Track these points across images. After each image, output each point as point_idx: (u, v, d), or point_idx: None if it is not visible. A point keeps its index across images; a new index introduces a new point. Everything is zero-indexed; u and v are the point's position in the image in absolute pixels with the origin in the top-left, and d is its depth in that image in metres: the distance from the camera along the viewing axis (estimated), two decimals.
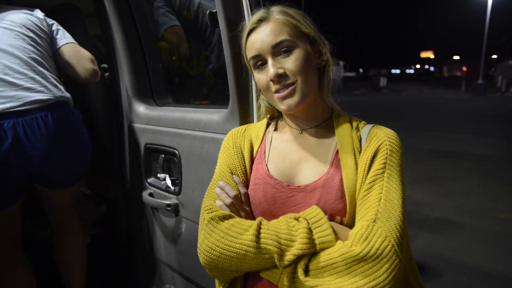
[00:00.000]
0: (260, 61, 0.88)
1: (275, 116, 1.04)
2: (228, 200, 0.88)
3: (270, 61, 0.86)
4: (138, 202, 1.70)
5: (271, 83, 0.87)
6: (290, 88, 0.85)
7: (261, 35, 0.86)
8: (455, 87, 28.49)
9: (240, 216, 0.88)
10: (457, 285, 2.27)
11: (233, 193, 0.89)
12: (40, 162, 1.40)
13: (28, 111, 1.35)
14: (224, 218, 0.84)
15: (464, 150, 6.36)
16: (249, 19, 0.94)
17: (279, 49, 0.85)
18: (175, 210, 1.42)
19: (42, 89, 1.40)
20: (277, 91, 0.87)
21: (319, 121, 0.94)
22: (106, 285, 1.99)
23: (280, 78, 0.85)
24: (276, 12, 0.88)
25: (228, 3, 1.07)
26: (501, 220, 3.38)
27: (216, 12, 1.10)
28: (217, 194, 0.90)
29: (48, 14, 1.64)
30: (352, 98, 20.60)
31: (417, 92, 25.06)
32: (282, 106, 0.88)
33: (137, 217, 1.74)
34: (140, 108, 1.65)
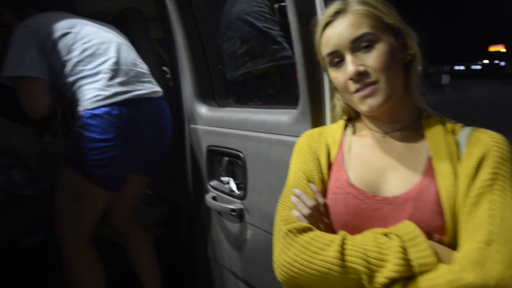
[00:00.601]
0: (337, 58, 0.79)
1: (352, 117, 0.94)
2: (306, 211, 0.80)
3: (349, 57, 0.76)
4: (200, 205, 1.68)
5: (350, 82, 0.77)
6: (372, 87, 0.75)
7: (338, 29, 0.77)
8: None
9: (318, 228, 0.79)
10: None
11: (311, 202, 0.81)
12: (157, 146, 1.64)
13: (156, 98, 1.61)
14: (303, 230, 0.75)
15: None
16: (323, 13, 0.85)
17: (359, 44, 0.76)
18: (239, 215, 1.36)
19: (155, 83, 1.66)
20: (357, 91, 0.77)
21: (405, 122, 0.82)
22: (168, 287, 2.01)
23: (360, 76, 0.75)
24: (354, 2, 0.78)
25: None
26: None
27: (285, 5, 1.03)
28: (293, 203, 0.82)
29: (112, 19, 1.69)
30: None
31: (486, 90, 23.00)
32: (363, 107, 0.78)
33: (199, 220, 1.72)
34: (202, 110, 1.63)
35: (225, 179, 1.45)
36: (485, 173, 0.68)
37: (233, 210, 1.36)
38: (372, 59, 0.75)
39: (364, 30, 0.75)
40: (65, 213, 1.52)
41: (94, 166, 1.43)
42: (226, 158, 1.44)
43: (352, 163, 0.84)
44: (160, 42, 2.46)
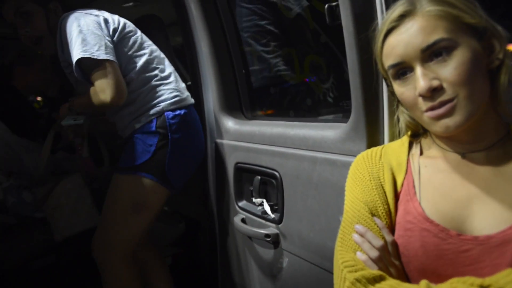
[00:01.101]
0: (402, 70, 0.66)
1: (419, 133, 0.79)
2: (374, 253, 0.66)
3: (419, 70, 0.63)
4: (226, 226, 1.54)
5: (421, 99, 0.64)
6: (448, 105, 0.62)
7: (405, 36, 0.64)
8: None
9: (390, 273, 0.65)
10: None
11: (379, 242, 0.67)
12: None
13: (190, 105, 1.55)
14: (375, 280, 0.62)
15: None
16: (385, 15, 0.71)
17: (432, 53, 0.62)
18: (274, 241, 1.22)
19: None
20: (429, 109, 0.64)
21: (491, 140, 0.67)
22: None
23: (434, 92, 0.62)
24: (425, 2, 0.64)
25: None
26: None
27: (337, 4, 0.89)
28: (355, 242, 0.68)
29: None
30: None
31: None
32: (436, 128, 0.65)
33: (223, 242, 1.58)
34: (229, 123, 1.50)
35: (257, 200, 1.30)
36: None
37: (267, 235, 1.21)
38: (449, 70, 0.61)
39: (438, 35, 0.62)
40: (119, 227, 1.43)
41: (175, 168, 1.44)
42: (258, 177, 1.31)
43: (425, 192, 0.70)
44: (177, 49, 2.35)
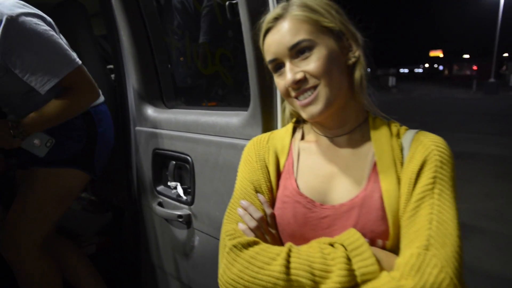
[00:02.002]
0: (278, 65, 0.78)
1: (301, 120, 0.92)
2: (253, 223, 0.77)
3: (287, 65, 0.75)
4: (146, 211, 1.59)
5: (290, 88, 0.76)
6: (312, 96, 0.74)
7: (276, 37, 0.76)
8: (466, 86, 28.02)
9: (265, 240, 0.77)
10: None
11: (258, 214, 0.78)
12: None
13: None
14: (249, 244, 0.72)
15: (478, 151, 6.17)
16: (264, 18, 0.82)
17: (297, 51, 0.74)
18: (187, 221, 1.30)
19: None
20: (297, 97, 0.76)
21: (352, 126, 0.81)
22: None
23: (299, 83, 0.74)
24: (294, 7, 0.76)
25: None
26: None
27: (236, 2, 0.98)
28: (239, 216, 0.79)
29: (50, 12, 1.53)
30: None
31: (427, 92, 24.71)
32: (304, 114, 0.77)
33: (144, 227, 1.63)
34: (148, 111, 1.54)
35: (172, 184, 1.37)
36: (425, 178, 0.69)
37: (180, 216, 1.29)
38: (309, 65, 0.73)
39: (301, 36, 0.73)
40: (40, 220, 1.42)
41: (100, 158, 1.51)
42: (173, 162, 1.37)
43: (301, 171, 0.82)
44: (106, 39, 2.30)
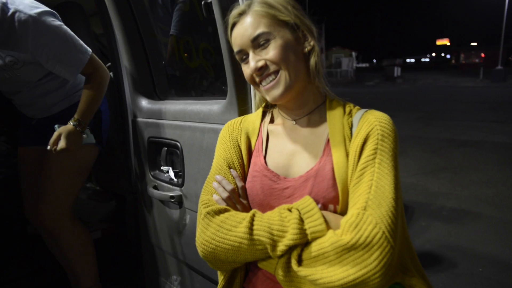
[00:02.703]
0: (244, 55, 0.88)
1: (269, 105, 1.03)
2: (225, 194, 0.88)
3: (250, 54, 0.86)
4: (144, 196, 1.72)
5: (254, 75, 0.87)
6: (274, 81, 0.85)
7: (241, 30, 0.86)
8: (473, 75, 27.67)
9: (236, 209, 0.88)
10: (473, 275, 2.22)
11: (230, 187, 0.89)
12: None
13: None
14: (220, 212, 0.84)
15: (482, 139, 6.18)
16: (230, 13, 0.92)
17: (258, 42, 0.85)
18: (179, 201, 1.43)
19: None
20: (260, 83, 0.87)
21: (311, 108, 0.92)
22: (116, 278, 2.03)
23: (261, 70, 0.85)
24: (255, 3, 0.87)
25: None
26: None
27: (211, 2, 1.09)
28: (214, 188, 0.90)
29: None
30: (365, 89, 20.27)
31: (433, 81, 24.48)
32: (268, 98, 0.88)
33: (143, 211, 1.76)
34: (143, 103, 1.66)
35: (164, 168, 1.50)
36: (368, 149, 0.80)
37: (172, 197, 1.41)
38: (269, 53, 0.84)
39: (260, 30, 0.84)
40: (69, 193, 1.64)
41: (105, 133, 1.73)
42: (165, 148, 1.49)
43: (269, 150, 0.94)
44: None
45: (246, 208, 0.91)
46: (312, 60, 0.90)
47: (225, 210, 0.84)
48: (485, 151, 5.42)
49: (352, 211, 0.75)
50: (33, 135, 1.68)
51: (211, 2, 1.10)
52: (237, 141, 0.97)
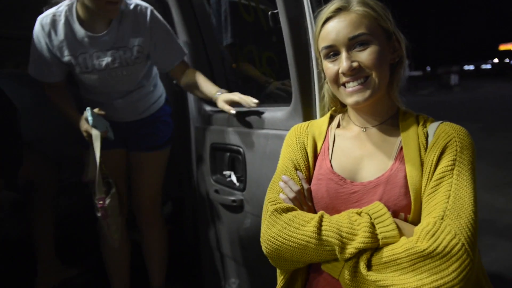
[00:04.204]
0: (332, 52, 0.87)
1: (338, 109, 1.03)
2: (292, 194, 0.89)
3: (344, 54, 0.84)
4: (204, 199, 1.79)
5: (341, 75, 0.86)
6: (362, 85, 0.84)
7: (338, 26, 0.84)
8: None
9: (302, 209, 0.89)
10: None
11: (296, 187, 0.90)
12: None
13: None
14: (287, 210, 0.85)
15: None
16: (312, 16, 0.95)
17: (355, 42, 0.84)
18: (240, 205, 1.47)
19: None
20: (345, 84, 0.86)
21: (384, 117, 0.92)
22: (174, 281, 2.11)
23: (353, 71, 0.84)
24: (356, 2, 0.86)
25: (289, 3, 1.10)
26: None
27: (277, 12, 1.14)
28: (280, 188, 0.92)
29: None
30: (419, 98, 19.27)
31: (496, 89, 22.68)
32: (349, 100, 0.87)
33: (203, 214, 1.83)
34: (206, 110, 1.75)
35: (227, 173, 1.55)
36: (446, 160, 0.78)
37: (234, 201, 1.46)
38: (365, 56, 0.83)
39: (361, 30, 0.83)
40: (159, 192, 1.82)
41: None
42: (228, 154, 1.55)
43: (335, 154, 0.94)
44: None
45: (311, 211, 0.91)
46: (398, 72, 0.90)
47: (292, 209, 0.85)
48: None
49: (428, 219, 0.74)
50: (116, 138, 1.67)
51: (277, 12, 1.14)
52: (303, 143, 0.98)
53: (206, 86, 1.54)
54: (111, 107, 1.61)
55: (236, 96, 1.39)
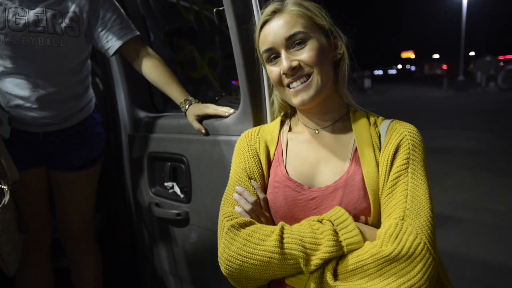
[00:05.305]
0: (273, 55, 0.86)
1: (288, 114, 1.01)
2: (248, 206, 0.84)
3: (283, 54, 0.83)
4: (141, 213, 1.64)
5: (284, 76, 0.84)
6: (305, 83, 0.83)
7: (274, 28, 0.84)
8: (437, 85, 29.05)
9: (260, 222, 0.84)
10: (462, 279, 2.27)
11: (252, 198, 0.85)
12: None
13: None
14: (245, 225, 0.80)
15: (452, 145, 6.45)
16: (261, 13, 0.91)
17: (293, 42, 0.83)
18: (185, 218, 1.36)
19: None
20: (289, 84, 0.84)
21: (335, 117, 0.91)
22: None
23: (294, 70, 0.83)
24: (290, 3, 0.85)
25: (237, 1, 1.04)
26: (497, 211, 3.41)
27: (223, 9, 1.07)
28: (235, 200, 0.86)
29: None
30: None
31: (401, 92, 25.47)
32: (295, 101, 0.85)
33: (141, 229, 1.67)
34: (140, 117, 1.60)
35: (168, 184, 1.43)
36: (400, 159, 0.79)
37: (178, 214, 1.35)
38: (304, 54, 0.82)
39: (297, 29, 0.82)
40: (89, 211, 1.57)
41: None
42: (169, 163, 1.43)
43: (289, 159, 0.90)
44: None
45: (270, 221, 0.87)
46: (341, 68, 0.89)
47: (250, 223, 0.80)
48: (457, 157, 5.65)
49: (389, 221, 0.74)
50: (35, 155, 1.40)
51: (223, 9, 1.08)
52: (255, 150, 0.93)
53: (171, 88, 1.30)
54: (27, 101, 1.29)
55: (210, 109, 1.22)
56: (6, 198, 1.16)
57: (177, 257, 1.47)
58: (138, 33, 1.38)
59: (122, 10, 1.39)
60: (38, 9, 1.23)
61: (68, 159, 1.42)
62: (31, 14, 1.22)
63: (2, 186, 1.18)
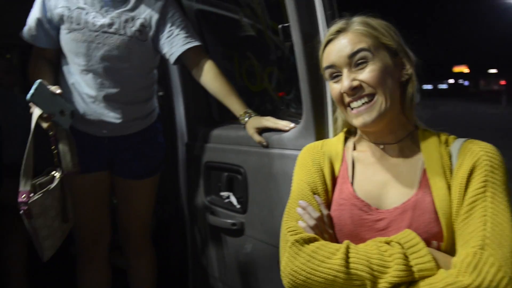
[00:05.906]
0: (335, 73, 0.85)
1: (351, 131, 0.99)
2: (312, 222, 0.82)
3: (345, 72, 0.82)
4: (196, 221, 1.67)
5: (345, 95, 0.83)
6: (367, 105, 0.81)
7: (337, 46, 0.83)
8: (494, 102, 27.19)
9: (323, 238, 0.82)
10: None
11: (316, 214, 0.83)
12: None
13: None
14: (310, 240, 0.78)
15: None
16: (325, 32, 0.91)
17: (355, 60, 0.81)
18: (240, 229, 1.37)
19: None
20: (349, 103, 0.83)
21: (401, 135, 0.87)
22: None
23: (354, 90, 0.81)
24: (356, 22, 0.84)
25: (302, 16, 1.05)
26: None
27: (288, 25, 1.09)
28: (298, 214, 0.84)
29: None
30: None
31: (453, 108, 24.15)
32: (356, 122, 0.83)
33: (192, 235, 1.71)
34: (198, 127, 1.65)
35: (224, 194, 1.46)
36: (476, 182, 0.74)
37: (233, 224, 1.37)
38: (365, 74, 0.80)
39: (361, 46, 0.81)
40: (148, 217, 1.62)
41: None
42: (226, 173, 1.46)
43: (356, 177, 0.88)
44: None
45: (333, 239, 0.85)
46: (409, 90, 0.86)
47: (314, 239, 0.78)
48: None
49: (466, 249, 0.68)
50: (99, 159, 1.46)
51: (288, 26, 1.09)
52: (320, 165, 0.91)
53: (231, 100, 1.35)
54: (94, 99, 1.37)
55: (270, 122, 1.24)
56: (52, 184, 1.21)
57: (229, 265, 1.48)
58: (201, 43, 1.44)
59: (189, 23, 1.46)
60: (114, 14, 1.36)
61: (131, 167, 1.49)
62: (107, 18, 1.35)
63: (55, 173, 1.24)
